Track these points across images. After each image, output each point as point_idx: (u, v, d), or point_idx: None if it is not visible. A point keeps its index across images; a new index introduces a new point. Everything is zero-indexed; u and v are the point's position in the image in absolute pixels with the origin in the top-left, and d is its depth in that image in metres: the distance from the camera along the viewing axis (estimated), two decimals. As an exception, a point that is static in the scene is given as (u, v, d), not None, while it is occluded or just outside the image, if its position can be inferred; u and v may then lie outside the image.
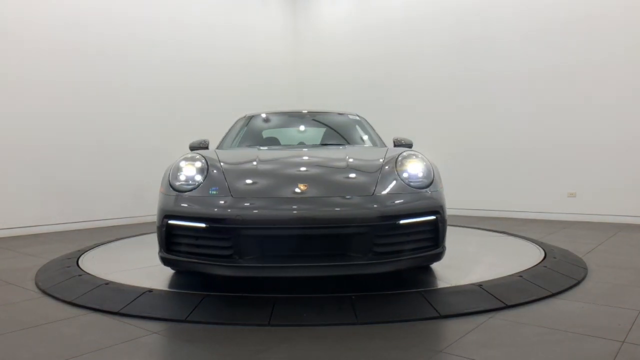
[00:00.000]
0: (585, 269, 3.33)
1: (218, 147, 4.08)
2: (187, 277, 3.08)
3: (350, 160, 3.05)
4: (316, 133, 4.32)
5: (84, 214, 6.14)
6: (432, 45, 7.57)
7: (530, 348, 1.96)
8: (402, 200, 2.63)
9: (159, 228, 2.76)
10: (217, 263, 2.55)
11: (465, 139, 7.26)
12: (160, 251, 2.79)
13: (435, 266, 3.31)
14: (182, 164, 3.00)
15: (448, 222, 2.82)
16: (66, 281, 3.03)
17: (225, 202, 2.63)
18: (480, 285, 2.70)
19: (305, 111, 4.63)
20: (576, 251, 3.97)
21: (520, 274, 2.96)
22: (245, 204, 2.59)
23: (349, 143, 4.06)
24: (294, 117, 4.58)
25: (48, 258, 3.93)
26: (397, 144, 4.06)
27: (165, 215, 2.73)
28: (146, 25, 6.86)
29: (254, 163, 3.06)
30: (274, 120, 4.59)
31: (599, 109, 6.17)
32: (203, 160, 3.01)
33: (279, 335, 2.14)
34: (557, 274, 3.05)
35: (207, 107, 7.56)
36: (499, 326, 2.22)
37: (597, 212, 6.18)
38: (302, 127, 4.47)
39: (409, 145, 4.03)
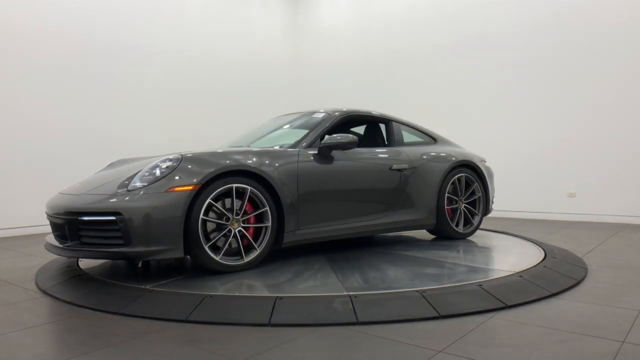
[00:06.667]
0: (585, 269, 3.33)
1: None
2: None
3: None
4: (278, 134, 4.32)
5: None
6: (431, 45, 7.57)
7: (530, 348, 1.96)
8: (87, 199, 3.00)
9: None
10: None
11: (464, 138, 7.24)
12: None
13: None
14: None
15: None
16: (66, 281, 3.04)
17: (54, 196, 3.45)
18: (480, 285, 2.70)
19: (290, 113, 4.64)
20: (576, 251, 3.97)
21: (520, 274, 2.96)
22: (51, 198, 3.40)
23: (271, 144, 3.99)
24: (275, 120, 4.62)
25: (48, 258, 3.93)
26: (324, 144, 3.55)
27: None
28: (146, 26, 6.85)
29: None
30: (266, 122, 4.66)
31: (599, 109, 6.17)
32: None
33: (279, 335, 2.14)
34: (557, 274, 3.05)
35: (207, 108, 7.55)
36: (499, 326, 2.22)
37: (597, 212, 6.18)
38: (274, 130, 4.43)
39: (350, 143, 3.55)
